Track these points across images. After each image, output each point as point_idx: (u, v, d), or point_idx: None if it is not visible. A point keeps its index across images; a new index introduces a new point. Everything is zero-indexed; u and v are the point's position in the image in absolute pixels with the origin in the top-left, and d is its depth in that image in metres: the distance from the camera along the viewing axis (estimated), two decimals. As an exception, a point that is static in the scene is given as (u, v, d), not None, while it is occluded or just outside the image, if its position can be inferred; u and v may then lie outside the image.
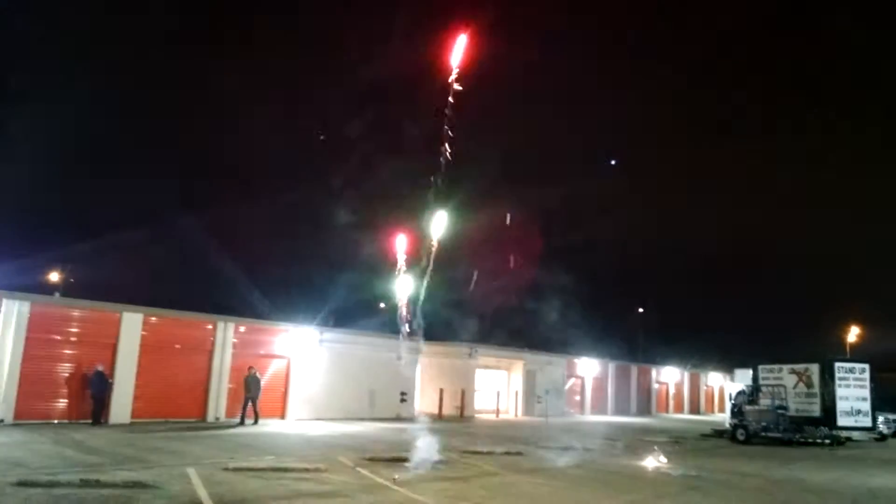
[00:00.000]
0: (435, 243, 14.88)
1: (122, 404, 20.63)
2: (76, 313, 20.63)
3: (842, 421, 27.06)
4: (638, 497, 12.80)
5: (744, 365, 34.19)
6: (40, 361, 19.40)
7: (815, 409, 27.75)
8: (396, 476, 12.85)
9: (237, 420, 22.26)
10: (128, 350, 21.03)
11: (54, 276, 43.54)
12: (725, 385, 51.11)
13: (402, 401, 29.29)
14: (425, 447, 15.39)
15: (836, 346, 48.39)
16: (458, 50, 13.94)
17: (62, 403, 19.80)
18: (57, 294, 33.32)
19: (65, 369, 19.95)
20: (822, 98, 79.53)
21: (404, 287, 15.77)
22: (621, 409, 44.29)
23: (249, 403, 22.40)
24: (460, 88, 14.09)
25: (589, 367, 42.50)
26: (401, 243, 16.05)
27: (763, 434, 25.93)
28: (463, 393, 32.47)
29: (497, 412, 34.93)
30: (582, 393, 42.58)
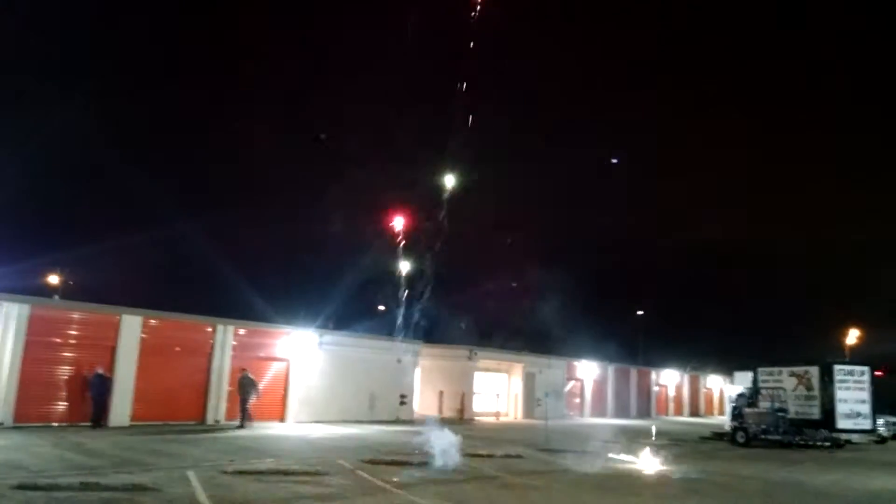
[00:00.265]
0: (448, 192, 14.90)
1: (121, 407, 20.63)
2: (76, 316, 20.63)
3: (841, 423, 27.07)
4: (638, 500, 12.80)
5: (743, 367, 34.14)
6: (40, 364, 19.39)
7: (815, 412, 27.76)
8: (397, 479, 12.85)
9: (237, 423, 22.24)
10: (127, 352, 21.03)
11: (54, 279, 43.50)
12: (725, 387, 51.02)
13: (402, 403, 29.29)
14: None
15: (836, 348, 48.41)
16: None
17: (62, 406, 19.79)
18: (56, 297, 33.37)
19: (64, 372, 19.95)
20: (821, 99, 79.62)
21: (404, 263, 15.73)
22: (621, 412, 44.27)
23: (242, 405, 22.36)
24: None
25: (588, 370, 42.50)
26: (399, 222, 16.11)
27: (763, 437, 25.91)
28: (462, 395, 32.47)
29: (497, 415, 34.93)
30: (582, 395, 42.58)
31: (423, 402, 32.82)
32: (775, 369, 29.75)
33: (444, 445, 15.57)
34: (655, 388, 49.58)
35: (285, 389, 25.26)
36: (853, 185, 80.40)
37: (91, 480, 10.93)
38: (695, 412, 53.62)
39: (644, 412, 46.92)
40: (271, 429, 22.51)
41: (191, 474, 12.15)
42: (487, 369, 36.32)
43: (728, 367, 48.23)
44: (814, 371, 28.40)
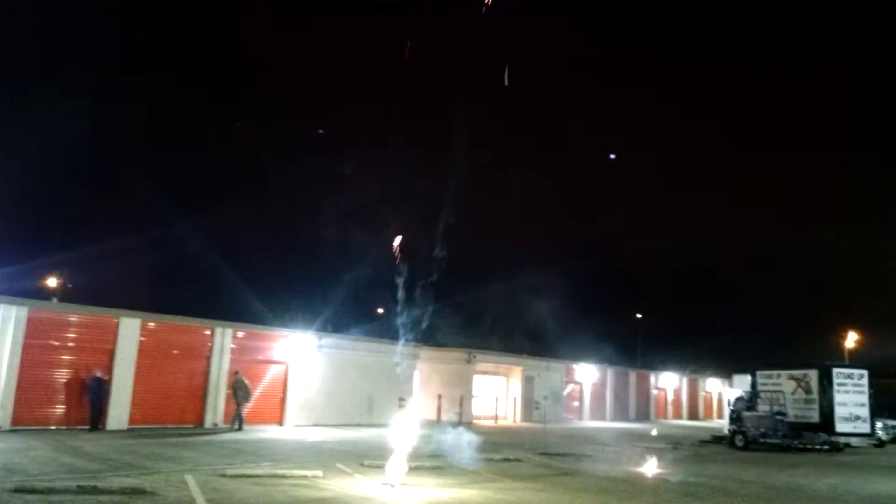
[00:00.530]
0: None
1: (119, 410, 20.59)
2: (74, 319, 20.59)
3: (840, 427, 27.07)
4: (637, 504, 12.78)
5: (742, 371, 34.20)
6: (38, 367, 19.36)
7: (814, 415, 27.76)
8: (395, 483, 12.82)
9: (235, 426, 22.19)
10: (125, 356, 20.99)
11: (52, 282, 43.49)
12: (724, 391, 51.03)
13: (401, 407, 29.23)
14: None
15: (835, 351, 48.43)
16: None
17: (60, 409, 19.75)
18: (54, 299, 33.30)
19: (62, 375, 19.91)
20: (821, 101, 79.75)
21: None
22: (620, 415, 44.25)
23: (240, 408, 22.34)
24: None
25: (587, 373, 42.48)
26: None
27: (762, 440, 25.88)
28: (461, 399, 32.42)
29: (496, 418, 34.89)
30: (580, 399, 42.54)
31: (422, 405, 32.76)
32: (774, 372, 29.76)
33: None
34: (654, 392, 49.58)
35: (284, 392, 25.22)
36: (852, 188, 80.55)
37: (88, 484, 10.89)
38: (693, 415, 53.61)
39: (643, 415, 46.90)
40: (270, 432, 22.46)
41: (189, 478, 12.12)
42: (486, 372, 36.29)
43: (727, 371, 48.29)
44: (813, 374, 28.40)
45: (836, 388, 27.53)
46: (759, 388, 29.38)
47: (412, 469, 14.50)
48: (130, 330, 21.27)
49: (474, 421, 33.04)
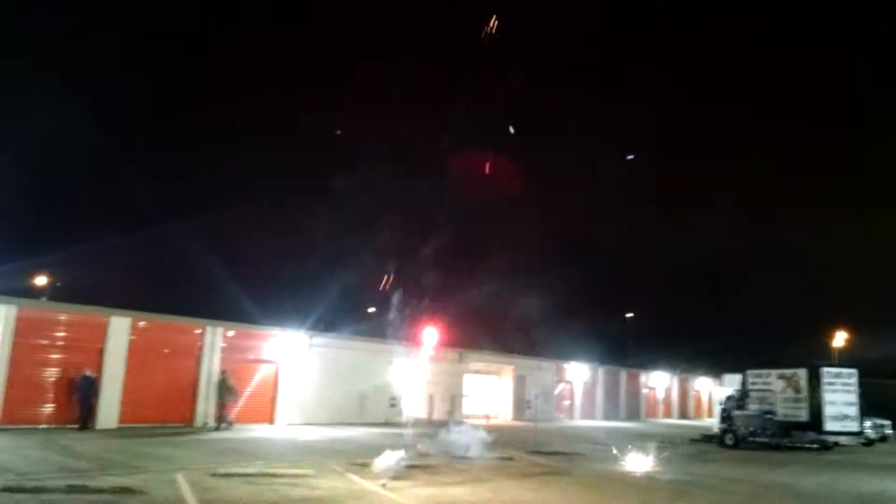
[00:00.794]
0: None
1: (109, 409, 20.51)
2: (63, 317, 20.49)
3: (829, 426, 27.24)
4: (627, 502, 12.83)
5: (732, 370, 34.35)
6: (27, 366, 19.26)
7: (803, 414, 27.93)
8: (387, 482, 12.82)
9: (223, 425, 22.08)
10: (115, 354, 20.91)
11: (41, 280, 43.21)
12: (714, 390, 51.30)
13: (392, 406, 29.24)
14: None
15: (824, 351, 48.73)
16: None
17: (49, 408, 19.66)
18: (44, 298, 33.11)
19: (52, 374, 19.82)
20: (820, 104, 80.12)
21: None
22: (610, 414, 44.39)
23: (218, 408, 22.23)
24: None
25: (578, 372, 42.60)
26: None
27: (751, 439, 26.03)
28: (453, 398, 32.45)
29: (487, 417, 34.94)
30: (571, 398, 42.66)
31: (413, 404, 32.75)
32: (764, 372, 29.92)
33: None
34: (645, 391, 49.76)
35: (275, 391, 25.17)
36: (843, 188, 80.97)
37: (78, 483, 10.86)
38: (684, 414, 53.83)
39: (633, 414, 47.07)
40: (261, 431, 22.42)
41: (179, 477, 12.09)
42: (478, 371, 36.34)
43: (717, 370, 48.48)
44: (802, 373, 28.57)
45: (825, 387, 27.71)
46: (749, 387, 29.53)
47: (403, 468, 14.52)
48: (120, 329, 21.19)
49: (466, 420, 33.06)
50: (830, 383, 27.84)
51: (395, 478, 13.34)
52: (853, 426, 27.84)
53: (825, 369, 28.32)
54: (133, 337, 21.46)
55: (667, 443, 27.29)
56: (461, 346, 34.45)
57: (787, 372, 29.08)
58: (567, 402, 42.38)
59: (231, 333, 24.23)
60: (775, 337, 55.67)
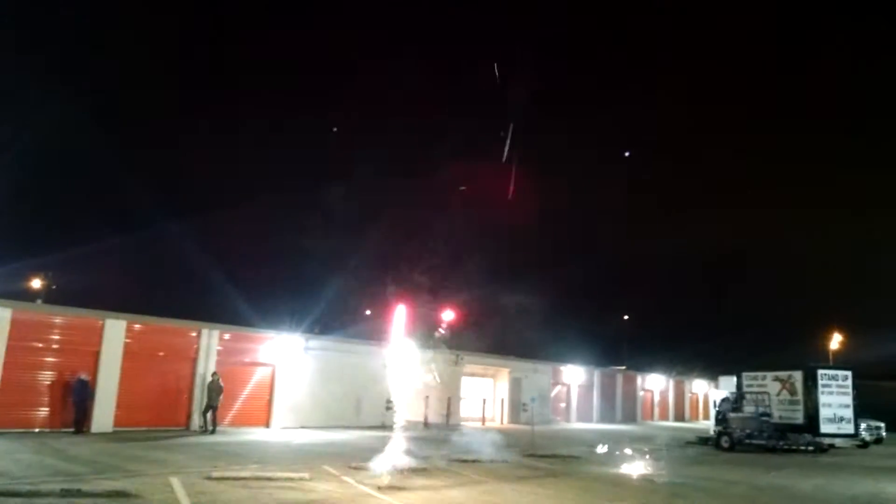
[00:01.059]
0: None
1: (104, 412, 20.42)
2: (58, 320, 20.40)
3: (825, 428, 27.29)
4: (623, 505, 12.83)
5: (728, 372, 34.40)
6: (21, 369, 19.16)
7: (799, 417, 27.97)
8: (382, 485, 12.81)
9: (210, 428, 21.83)
10: (111, 357, 20.83)
11: (36, 283, 43.09)
12: (710, 392, 51.36)
13: (388, 408, 29.18)
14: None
15: (820, 353, 48.79)
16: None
17: (44, 412, 19.56)
18: (39, 301, 33.00)
19: (46, 377, 19.73)
20: (820, 104, 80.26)
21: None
22: (606, 417, 44.37)
23: (211, 411, 21.98)
24: None
25: (574, 375, 42.60)
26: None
27: (747, 441, 26.05)
28: (449, 401, 32.41)
29: (483, 420, 34.90)
30: (567, 400, 42.65)
31: (409, 407, 32.71)
32: (760, 374, 29.97)
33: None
34: (641, 393, 49.76)
35: (270, 394, 25.11)
36: (840, 190, 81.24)
37: (72, 487, 10.81)
38: (680, 417, 53.85)
39: (629, 417, 47.06)
40: (256, 434, 22.37)
41: (174, 480, 12.05)
42: (474, 374, 36.29)
43: (713, 372, 48.57)
44: (798, 376, 28.62)
45: (820, 389, 27.75)
46: (745, 389, 29.57)
47: (399, 471, 14.51)
48: (116, 332, 21.11)
49: (462, 423, 33.05)
50: (826, 385, 27.89)
51: (391, 481, 13.33)
52: (848, 428, 27.89)
53: (821, 371, 28.37)
54: (128, 340, 21.38)
55: (663, 445, 27.32)
56: (457, 349, 34.42)
57: (783, 374, 29.14)
58: (563, 405, 42.36)
59: (227, 336, 24.17)
60: (771, 339, 55.81)
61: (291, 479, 12.98)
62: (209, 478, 12.66)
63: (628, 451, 23.73)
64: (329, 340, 28.22)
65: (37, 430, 19.16)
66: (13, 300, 20.72)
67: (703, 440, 29.00)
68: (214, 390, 22.02)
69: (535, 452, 20.72)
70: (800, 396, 28.25)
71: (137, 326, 21.87)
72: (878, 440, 31.97)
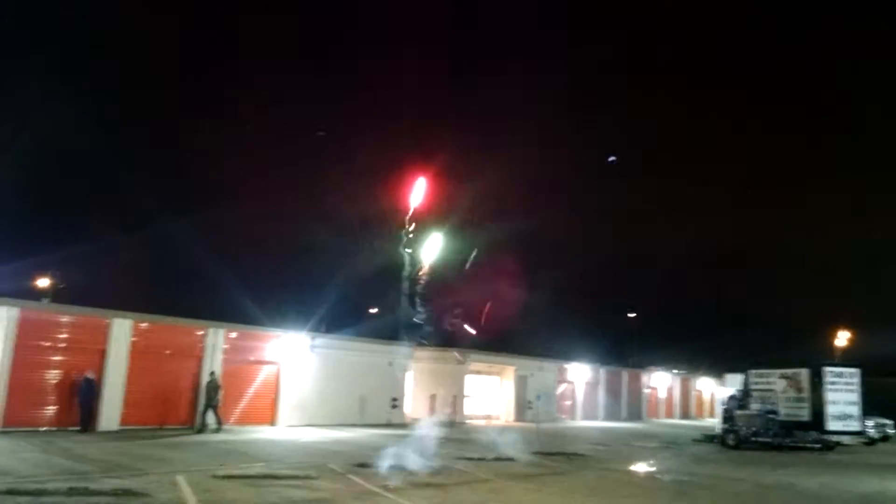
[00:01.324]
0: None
1: (111, 411, 20.51)
2: (65, 319, 20.48)
3: (831, 425, 27.19)
4: (629, 503, 12.82)
5: (734, 370, 34.32)
6: (29, 368, 19.24)
7: (805, 414, 27.87)
8: (389, 483, 12.82)
9: (213, 427, 21.74)
10: (117, 356, 20.91)
11: (44, 282, 43.25)
12: (716, 390, 51.27)
13: (394, 407, 29.24)
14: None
15: (826, 350, 48.71)
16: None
17: (51, 410, 19.65)
18: (46, 300, 33.12)
19: (53, 376, 19.81)
20: (819, 102, 79.99)
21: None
22: (612, 415, 44.33)
23: (210, 410, 21.87)
24: None
25: (580, 373, 42.55)
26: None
27: (753, 439, 25.99)
28: (454, 399, 32.44)
29: (488, 418, 34.92)
30: (573, 398, 42.61)
31: (415, 405, 32.77)
32: (766, 371, 29.87)
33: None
34: (646, 391, 49.68)
35: (276, 393, 25.17)
36: (845, 187, 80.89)
37: (79, 485, 10.86)
38: (686, 415, 53.76)
39: (635, 415, 47.00)
40: (262, 432, 22.42)
41: (180, 479, 12.09)
42: (479, 372, 36.32)
43: (719, 370, 48.48)
44: (804, 373, 28.52)
45: (827, 386, 27.65)
46: (751, 387, 29.48)
47: (405, 469, 14.52)
48: (122, 330, 21.19)
49: (467, 421, 33.07)
50: (832, 383, 27.79)
51: (397, 479, 13.34)
52: (855, 426, 27.79)
53: (827, 369, 28.26)
54: (135, 339, 21.46)
55: (669, 443, 27.30)
56: (463, 347, 34.47)
57: (789, 372, 29.04)
58: (569, 403, 42.33)
59: (233, 335, 24.24)
60: (777, 336, 55.61)
61: (297, 478, 13.01)
62: (215, 476, 12.70)
63: (634, 448, 23.72)
64: (335, 339, 28.27)
65: (44, 428, 19.24)
66: (20, 299, 20.78)
67: (709, 438, 28.93)
68: (213, 389, 22.01)
69: (541, 450, 20.71)
70: (806, 394, 28.14)
71: (144, 325, 21.95)
72: (886, 438, 31.84)
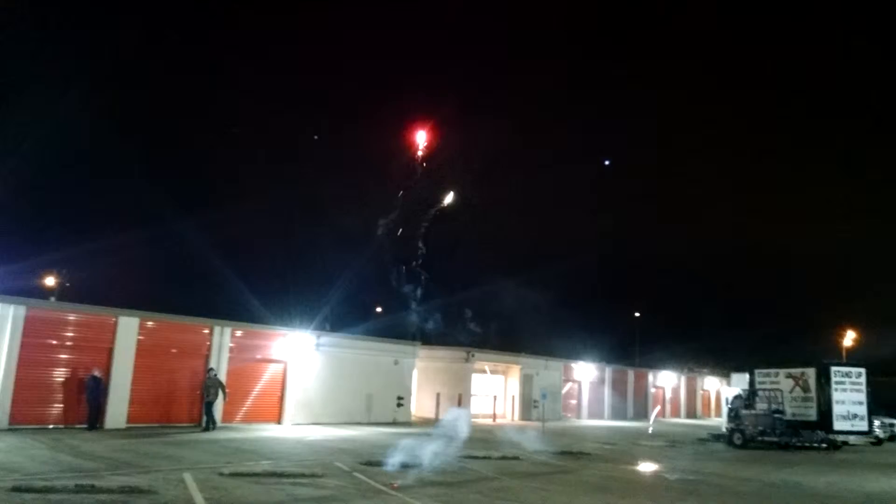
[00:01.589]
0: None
1: (117, 409, 20.56)
2: (72, 317, 20.54)
3: (838, 425, 27.10)
4: (635, 502, 12.79)
5: (740, 369, 34.23)
6: (36, 366, 19.31)
7: (812, 414, 27.79)
8: (395, 482, 12.83)
9: (202, 426, 21.72)
10: (124, 354, 20.96)
11: (50, 280, 43.47)
12: (722, 389, 51.15)
13: (399, 405, 29.25)
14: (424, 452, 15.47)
15: (833, 350, 48.53)
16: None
17: (58, 408, 19.71)
18: (53, 298, 33.29)
19: (60, 374, 19.87)
20: (819, 100, 79.75)
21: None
22: (618, 414, 44.27)
23: (213, 407, 21.84)
24: None
25: (585, 372, 42.50)
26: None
27: (760, 438, 25.93)
28: (460, 397, 32.44)
29: (494, 416, 34.91)
30: (578, 397, 42.57)
31: (421, 403, 32.79)
32: (772, 371, 29.80)
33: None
34: (652, 390, 49.60)
35: (282, 391, 25.21)
36: (851, 186, 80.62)
37: (86, 483, 10.89)
38: (692, 414, 53.65)
39: (641, 414, 46.92)
40: (268, 431, 22.46)
41: (187, 476, 12.12)
42: (484, 371, 36.30)
43: (725, 369, 48.39)
44: (811, 372, 28.43)
45: (833, 386, 27.55)
46: (758, 386, 29.41)
47: (411, 467, 14.53)
48: (129, 329, 21.23)
49: (473, 419, 33.06)
50: (839, 382, 27.69)
51: (403, 477, 13.35)
52: (862, 425, 27.68)
53: (834, 368, 28.16)
54: (141, 337, 21.51)
55: (675, 442, 27.25)
56: (468, 346, 34.46)
57: (796, 371, 28.96)
58: (574, 402, 42.30)
59: (239, 333, 24.27)
60: (784, 336, 55.50)
61: (304, 476, 13.03)
62: (222, 474, 12.73)
63: (640, 447, 23.68)
64: (340, 337, 28.29)
65: (51, 426, 19.31)
66: (27, 298, 20.85)
67: (716, 437, 28.89)
68: (212, 386, 22.00)
69: (547, 449, 20.71)
70: (813, 393, 28.06)
71: (150, 323, 22.00)
72: (893, 437, 31.74)
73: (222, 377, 22.86)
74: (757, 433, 26.13)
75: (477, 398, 35.08)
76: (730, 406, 28.88)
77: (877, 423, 29.81)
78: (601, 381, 44.15)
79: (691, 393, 54.58)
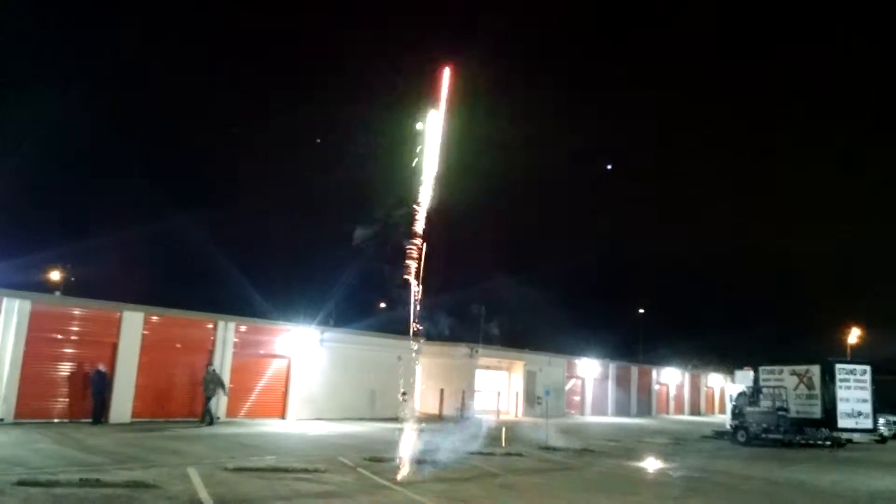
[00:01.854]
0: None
1: (122, 403, 20.61)
2: (77, 312, 20.58)
3: (842, 423, 27.02)
4: (638, 499, 12.79)
5: (744, 366, 34.13)
6: (41, 360, 19.37)
7: (816, 411, 27.71)
8: (398, 477, 12.84)
9: (201, 421, 21.56)
10: (128, 349, 21.00)
11: (55, 275, 43.52)
12: (726, 386, 51.02)
13: (403, 401, 29.22)
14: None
15: (838, 347, 48.37)
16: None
17: (63, 402, 19.76)
18: (57, 293, 33.34)
19: (65, 368, 19.92)
20: (819, 99, 79.42)
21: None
22: (621, 411, 44.22)
23: (210, 402, 21.76)
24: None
25: (589, 368, 42.45)
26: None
27: (764, 436, 25.88)
28: (463, 393, 32.43)
29: (497, 413, 34.91)
30: (582, 394, 42.52)
31: (424, 399, 32.79)
32: (776, 368, 29.71)
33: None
34: (656, 387, 49.52)
35: (286, 387, 25.24)
36: (854, 185, 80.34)
37: (91, 477, 10.92)
38: (695, 411, 53.57)
39: (645, 411, 46.87)
40: (272, 426, 22.50)
41: (192, 471, 12.15)
42: (488, 367, 36.29)
43: (729, 366, 48.28)
44: (815, 370, 28.34)
45: (838, 383, 27.47)
46: (762, 383, 29.33)
47: (414, 463, 14.53)
48: (133, 323, 21.27)
49: (476, 415, 33.04)
50: (844, 380, 27.60)
51: (406, 473, 13.36)
52: (867, 423, 27.60)
53: (838, 366, 28.07)
54: (146, 332, 21.54)
55: (678, 439, 27.22)
56: (472, 342, 34.46)
57: (800, 368, 28.87)
58: (578, 398, 42.23)
59: (243, 328, 24.30)
60: (788, 333, 55.39)
61: (307, 471, 13.05)
62: (226, 469, 12.75)
63: (643, 444, 23.66)
64: (344, 333, 28.30)
65: (56, 420, 19.37)
66: (32, 292, 20.90)
67: (720, 434, 28.85)
68: (211, 382, 21.98)
69: (550, 445, 20.71)
70: (817, 391, 27.98)
71: (155, 318, 22.03)
72: (897, 435, 31.66)
73: (226, 372, 22.90)
74: (761, 430, 26.08)
75: (480, 394, 35.09)
76: (734, 403, 28.81)
77: (881, 420, 29.71)
78: (605, 377, 44.09)
79: (695, 390, 54.48)
